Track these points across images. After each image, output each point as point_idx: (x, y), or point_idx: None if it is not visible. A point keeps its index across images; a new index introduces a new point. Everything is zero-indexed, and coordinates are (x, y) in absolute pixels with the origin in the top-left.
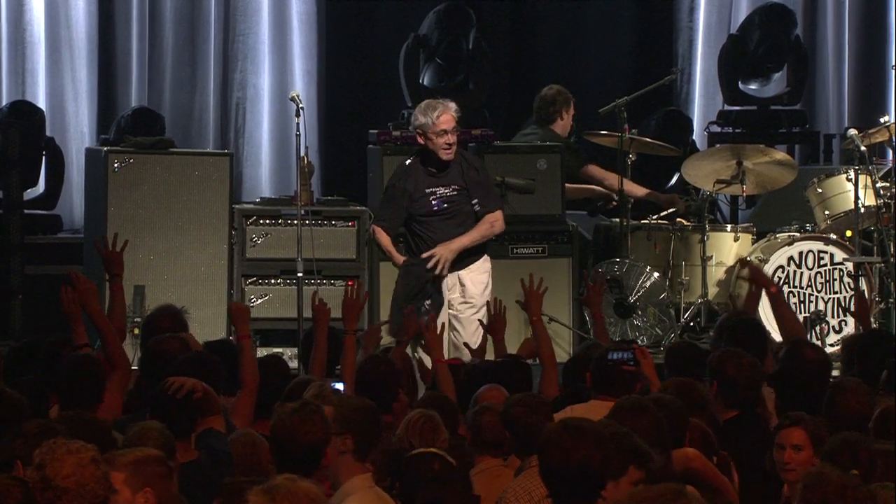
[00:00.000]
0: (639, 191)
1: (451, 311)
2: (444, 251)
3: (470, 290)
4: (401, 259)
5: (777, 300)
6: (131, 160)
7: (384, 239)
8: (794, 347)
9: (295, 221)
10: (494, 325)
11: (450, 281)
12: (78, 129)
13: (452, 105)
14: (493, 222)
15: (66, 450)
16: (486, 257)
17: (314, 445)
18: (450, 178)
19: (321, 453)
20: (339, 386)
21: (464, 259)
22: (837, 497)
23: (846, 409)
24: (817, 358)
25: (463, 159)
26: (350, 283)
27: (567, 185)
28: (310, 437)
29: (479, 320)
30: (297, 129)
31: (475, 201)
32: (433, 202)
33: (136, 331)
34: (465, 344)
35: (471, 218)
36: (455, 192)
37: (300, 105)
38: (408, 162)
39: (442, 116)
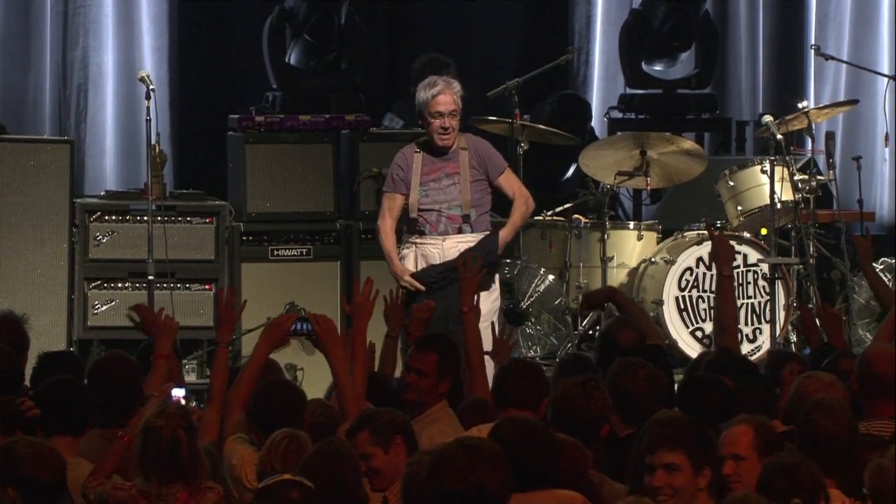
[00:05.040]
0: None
1: None
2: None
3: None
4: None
5: (724, 287)
6: None
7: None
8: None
9: (145, 218)
10: (499, 348)
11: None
12: None
13: (457, 86)
14: (527, 199)
15: None
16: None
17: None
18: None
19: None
20: (180, 392)
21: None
22: None
23: (824, 430)
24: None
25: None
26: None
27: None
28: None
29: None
30: (147, 114)
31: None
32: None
33: None
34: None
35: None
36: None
37: (150, 86)
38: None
39: (440, 96)
